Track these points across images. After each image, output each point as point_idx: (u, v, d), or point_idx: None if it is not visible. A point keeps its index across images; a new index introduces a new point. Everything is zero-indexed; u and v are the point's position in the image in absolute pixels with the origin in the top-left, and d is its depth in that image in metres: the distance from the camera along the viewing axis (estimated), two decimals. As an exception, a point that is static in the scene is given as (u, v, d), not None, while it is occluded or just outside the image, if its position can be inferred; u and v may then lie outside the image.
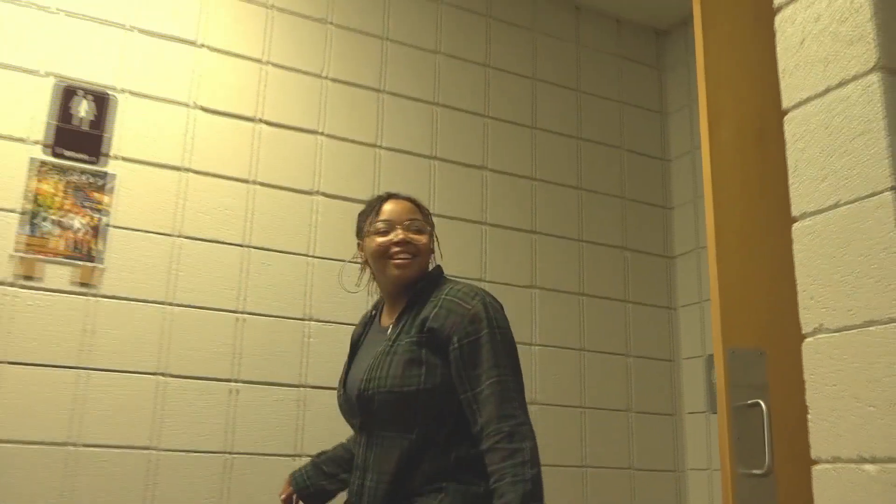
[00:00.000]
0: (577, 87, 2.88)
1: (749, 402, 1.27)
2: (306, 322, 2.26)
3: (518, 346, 1.56)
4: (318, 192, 2.35)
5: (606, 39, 2.98)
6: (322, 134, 2.40)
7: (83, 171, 2.06)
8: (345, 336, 1.86)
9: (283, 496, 1.79)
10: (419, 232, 1.66)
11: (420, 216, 1.69)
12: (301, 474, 1.79)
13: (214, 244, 2.18)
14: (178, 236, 2.14)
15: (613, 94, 2.95)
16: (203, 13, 2.30)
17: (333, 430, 1.96)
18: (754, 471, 1.24)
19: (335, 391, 1.70)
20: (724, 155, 1.38)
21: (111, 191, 2.09)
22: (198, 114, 2.23)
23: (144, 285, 2.08)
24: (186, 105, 2.22)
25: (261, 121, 2.31)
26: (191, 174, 2.19)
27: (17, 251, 1.95)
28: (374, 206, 1.70)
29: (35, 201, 2.00)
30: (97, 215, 2.06)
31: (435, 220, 1.79)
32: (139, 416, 2.01)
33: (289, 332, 2.23)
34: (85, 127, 2.09)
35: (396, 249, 1.62)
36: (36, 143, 2.04)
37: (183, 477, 2.04)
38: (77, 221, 2.03)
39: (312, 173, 2.36)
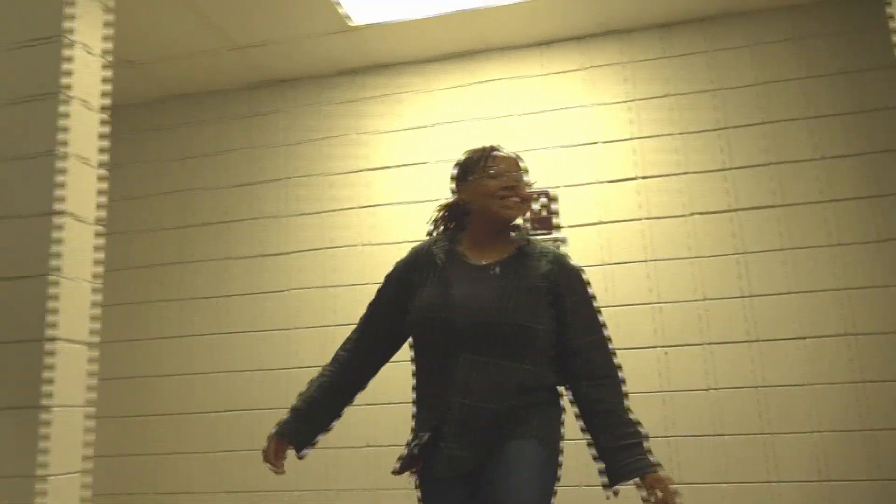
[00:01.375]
0: None
1: None
2: (702, 304, 3.34)
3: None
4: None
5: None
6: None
7: (546, 239, 3.50)
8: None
9: (274, 454, 1.87)
10: (522, 182, 1.85)
11: (521, 170, 1.87)
12: (290, 428, 1.87)
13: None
14: (608, 264, 3.43)
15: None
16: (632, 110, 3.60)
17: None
18: None
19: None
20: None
21: (566, 248, 3.47)
22: (606, 186, 3.52)
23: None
24: (606, 182, 3.53)
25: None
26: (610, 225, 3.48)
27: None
28: (484, 153, 1.87)
29: (526, 263, 3.49)
30: (559, 263, 3.48)
31: None
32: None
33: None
34: (541, 214, 3.53)
35: (507, 192, 1.81)
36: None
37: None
38: (550, 269, 3.46)
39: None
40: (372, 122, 3.89)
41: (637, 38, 3.62)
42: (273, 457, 1.86)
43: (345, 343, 1.95)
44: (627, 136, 3.54)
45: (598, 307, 1.86)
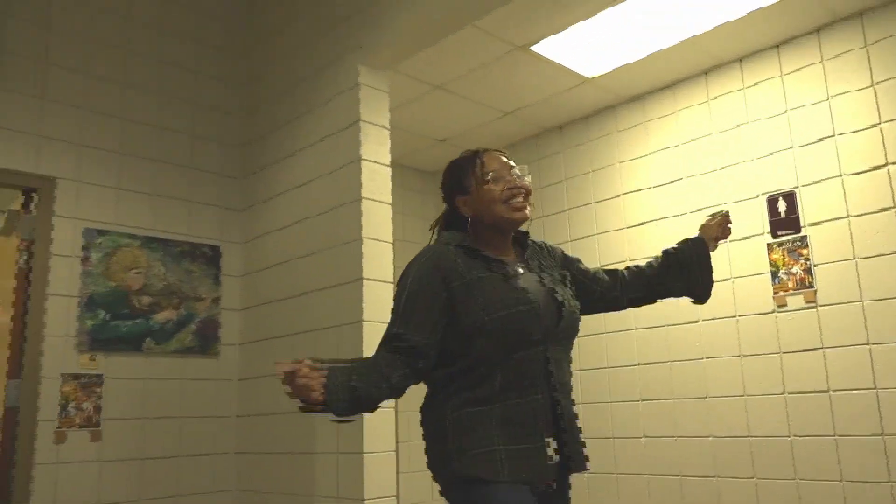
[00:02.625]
0: None
1: None
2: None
3: None
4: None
5: None
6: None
7: (791, 240, 3.58)
8: None
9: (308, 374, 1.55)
10: (523, 177, 1.84)
11: (516, 165, 1.88)
12: (334, 385, 1.59)
13: None
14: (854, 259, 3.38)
15: None
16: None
17: None
18: None
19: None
20: None
21: (808, 246, 3.52)
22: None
23: (848, 292, 3.38)
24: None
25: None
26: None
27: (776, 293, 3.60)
28: (475, 158, 1.84)
29: (772, 265, 3.62)
30: (804, 261, 3.52)
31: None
32: None
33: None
34: (785, 215, 3.62)
35: (513, 193, 1.79)
36: (763, 233, 3.68)
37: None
38: (795, 269, 3.53)
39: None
40: (627, 151, 4.38)
41: (872, 19, 3.46)
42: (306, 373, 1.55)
43: (396, 352, 1.71)
44: (871, 123, 3.43)
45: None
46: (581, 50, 3.80)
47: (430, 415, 1.78)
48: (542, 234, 4.75)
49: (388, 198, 3.48)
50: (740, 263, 3.76)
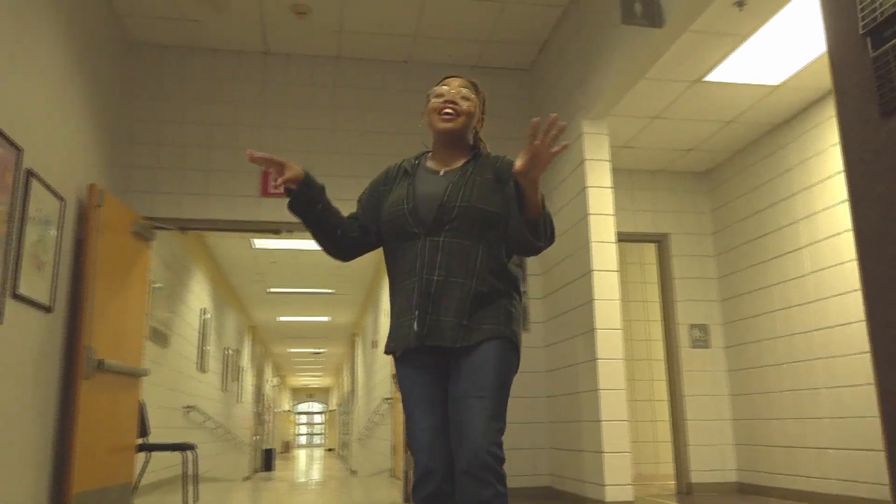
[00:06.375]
0: None
1: None
2: None
3: None
4: None
5: None
6: None
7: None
8: None
9: (283, 173, 1.96)
10: (464, 99, 2.06)
11: (469, 92, 2.08)
12: (313, 180, 2.01)
13: None
14: None
15: None
16: None
17: None
18: None
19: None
20: None
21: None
22: None
23: None
24: None
25: None
26: None
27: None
28: (440, 81, 2.13)
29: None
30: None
31: None
32: None
33: None
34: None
35: (444, 106, 2.05)
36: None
37: None
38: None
39: None
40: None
41: None
42: (277, 164, 1.97)
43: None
44: None
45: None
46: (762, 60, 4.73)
47: None
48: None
49: (611, 210, 4.92)
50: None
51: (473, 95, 2.08)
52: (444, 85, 2.09)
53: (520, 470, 5.48)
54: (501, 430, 1.84)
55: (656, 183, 6.51)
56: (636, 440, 7.29)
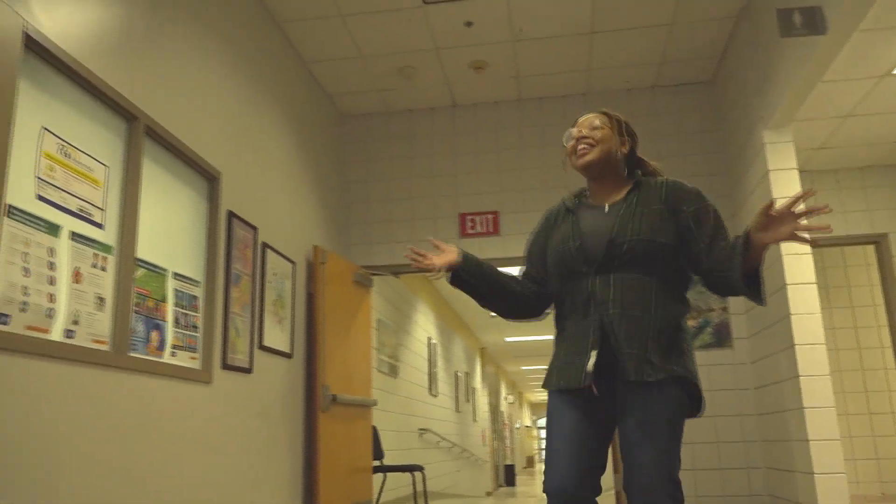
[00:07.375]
0: None
1: None
2: None
3: None
4: None
5: None
6: None
7: None
8: None
9: (441, 257, 2.12)
10: (595, 129, 2.08)
11: (601, 121, 2.11)
12: (470, 257, 2.13)
13: None
14: None
15: None
16: None
17: None
18: None
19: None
20: None
21: None
22: None
23: None
24: None
25: None
26: None
27: None
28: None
29: None
30: None
31: None
32: None
33: None
34: None
35: (574, 145, 2.11)
36: None
37: None
38: None
39: None
40: None
41: None
42: (438, 249, 2.16)
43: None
44: None
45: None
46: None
47: None
48: None
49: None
50: None
51: (605, 122, 2.10)
52: (573, 129, 2.13)
53: (737, 490, 5.37)
54: (676, 468, 1.86)
55: (866, 180, 6.03)
56: (875, 456, 6.69)
